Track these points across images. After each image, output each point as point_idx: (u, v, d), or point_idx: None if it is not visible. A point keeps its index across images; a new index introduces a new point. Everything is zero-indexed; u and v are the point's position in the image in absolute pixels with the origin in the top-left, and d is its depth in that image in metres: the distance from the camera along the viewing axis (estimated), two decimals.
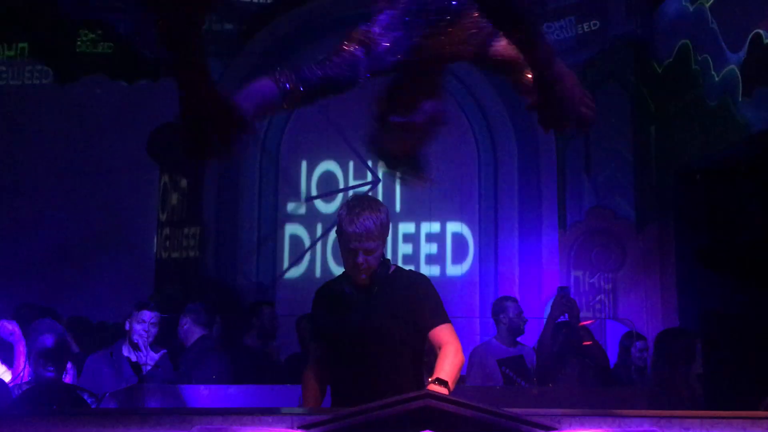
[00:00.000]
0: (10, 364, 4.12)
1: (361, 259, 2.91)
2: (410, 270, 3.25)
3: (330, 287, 3.12)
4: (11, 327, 4.11)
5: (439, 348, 2.94)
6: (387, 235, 2.97)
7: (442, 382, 2.81)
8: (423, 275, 3.21)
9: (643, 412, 2.16)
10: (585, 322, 5.21)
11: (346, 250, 2.95)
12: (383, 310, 2.97)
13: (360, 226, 2.88)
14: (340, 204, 3.12)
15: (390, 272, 3.03)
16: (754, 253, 5.56)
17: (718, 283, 5.77)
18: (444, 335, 2.95)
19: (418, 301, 3.00)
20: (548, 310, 5.15)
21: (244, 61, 7.44)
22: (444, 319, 3.00)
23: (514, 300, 5.31)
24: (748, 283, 5.47)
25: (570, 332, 4.88)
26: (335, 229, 3.05)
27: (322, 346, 3.08)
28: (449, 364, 2.87)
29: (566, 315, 4.85)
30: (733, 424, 2.06)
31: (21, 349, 4.07)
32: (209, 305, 5.02)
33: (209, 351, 4.72)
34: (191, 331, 4.74)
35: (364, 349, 2.94)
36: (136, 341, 4.55)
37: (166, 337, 4.91)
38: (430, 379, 2.90)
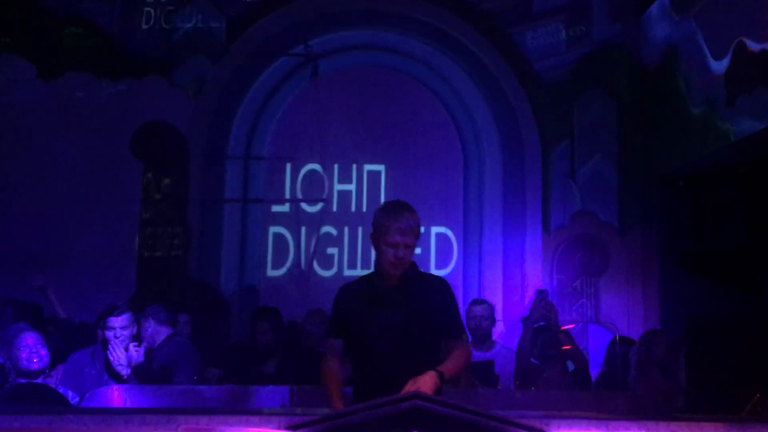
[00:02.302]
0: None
1: (401, 253, 3.11)
2: (431, 273, 3.56)
3: (358, 285, 3.30)
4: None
5: (450, 351, 3.19)
6: (418, 239, 3.20)
7: (439, 372, 3.02)
8: (444, 279, 3.38)
9: (630, 416, 2.16)
10: (567, 327, 5.22)
11: (386, 245, 3.13)
12: (414, 308, 3.15)
13: (404, 221, 3.12)
14: (375, 210, 3.29)
15: (417, 274, 3.25)
16: (736, 258, 5.61)
17: (700, 288, 5.82)
18: (459, 343, 3.24)
19: (442, 306, 3.21)
20: (528, 314, 5.17)
21: (231, 59, 7.41)
22: (461, 331, 3.27)
23: (482, 302, 5.34)
24: (730, 288, 5.51)
25: (549, 336, 4.90)
26: (373, 226, 3.23)
27: (342, 341, 3.21)
28: (452, 361, 3.13)
29: (544, 319, 4.87)
30: (719, 428, 2.07)
31: None
32: (167, 306, 5.01)
33: (182, 345, 4.72)
34: (157, 331, 4.73)
35: (393, 345, 3.10)
36: (107, 347, 4.48)
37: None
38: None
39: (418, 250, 7.22)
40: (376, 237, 3.19)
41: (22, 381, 4.02)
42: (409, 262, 3.18)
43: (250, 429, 2.12)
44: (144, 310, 4.82)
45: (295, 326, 5.77)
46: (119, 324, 4.47)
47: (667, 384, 4.63)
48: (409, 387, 2.87)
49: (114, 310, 4.58)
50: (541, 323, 4.96)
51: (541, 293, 5.02)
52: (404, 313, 3.13)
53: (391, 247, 3.13)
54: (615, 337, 5.63)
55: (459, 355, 3.17)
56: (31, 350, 4.05)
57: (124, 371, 4.37)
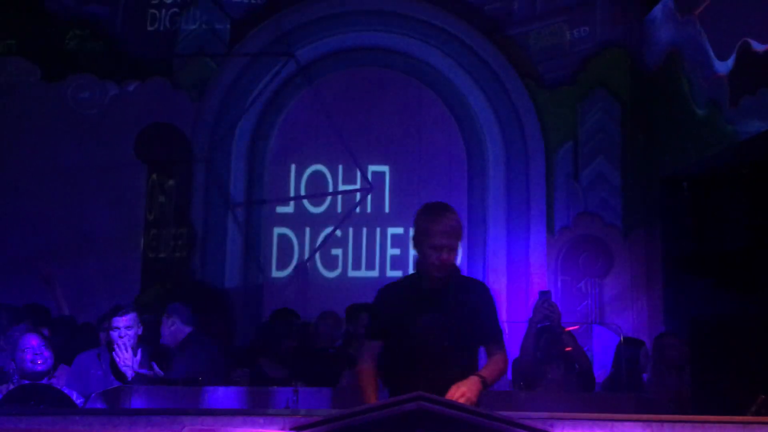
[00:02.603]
0: None
1: (444, 255, 3.11)
2: (471, 277, 3.52)
3: (400, 285, 3.30)
4: None
5: (488, 356, 3.22)
6: (460, 241, 3.18)
7: (481, 376, 3.05)
8: (484, 284, 3.40)
9: (635, 416, 2.16)
10: (570, 328, 5.20)
11: (429, 247, 3.13)
12: (457, 311, 3.16)
13: (446, 224, 3.13)
14: (418, 211, 3.26)
15: (459, 277, 3.25)
16: (739, 259, 5.61)
17: (704, 289, 5.81)
18: (498, 350, 3.25)
19: (484, 310, 3.22)
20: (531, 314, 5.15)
21: (235, 61, 7.43)
22: (500, 337, 3.27)
23: (368, 308, 5.30)
24: (734, 288, 5.51)
25: (552, 337, 4.89)
26: (413, 230, 3.22)
27: (381, 343, 3.22)
28: (492, 366, 3.16)
29: (548, 320, 4.86)
30: (724, 429, 2.07)
31: None
32: (191, 304, 5.00)
33: (204, 344, 4.71)
34: (180, 330, 4.71)
35: (435, 347, 3.11)
36: (113, 347, 4.48)
37: (152, 337, 4.87)
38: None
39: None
40: (419, 239, 3.18)
41: (26, 382, 4.02)
42: (452, 264, 3.18)
43: (255, 430, 2.12)
44: (166, 309, 4.79)
45: (307, 327, 5.77)
46: (124, 324, 4.46)
47: (683, 386, 4.63)
48: (454, 392, 2.89)
49: (118, 311, 4.58)
50: (545, 324, 4.95)
51: (544, 294, 5.00)
52: (447, 316, 3.13)
53: (434, 250, 3.12)
54: (621, 338, 5.62)
55: (498, 360, 3.18)
56: (35, 351, 4.05)
57: (130, 372, 4.37)
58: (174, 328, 4.69)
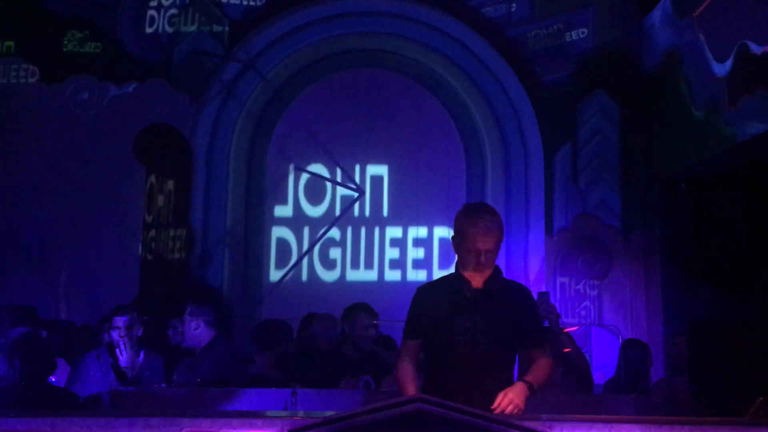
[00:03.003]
0: None
1: (483, 258, 3.06)
2: (512, 280, 3.44)
3: (439, 287, 3.23)
4: None
5: (535, 360, 3.20)
6: (501, 243, 3.13)
7: (527, 383, 3.02)
8: (526, 287, 3.34)
9: (634, 418, 2.16)
10: (569, 329, 5.21)
11: (468, 251, 3.08)
12: (499, 315, 3.11)
13: (485, 227, 3.06)
14: (458, 211, 3.19)
15: (500, 279, 3.19)
16: (738, 261, 5.60)
17: (702, 291, 5.81)
18: (542, 353, 3.23)
19: (526, 313, 3.18)
20: None
21: (234, 62, 7.43)
22: (543, 340, 3.25)
23: (365, 308, 5.31)
24: (733, 291, 5.50)
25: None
26: (453, 232, 3.17)
27: (420, 343, 3.18)
28: (538, 371, 3.14)
29: (546, 321, 4.86)
30: (723, 431, 2.07)
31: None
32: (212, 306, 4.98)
33: (231, 348, 4.70)
34: (204, 334, 4.67)
35: (476, 350, 3.06)
36: (114, 346, 4.47)
37: (151, 338, 4.87)
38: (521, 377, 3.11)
39: (420, 252, 7.22)
40: (457, 241, 3.14)
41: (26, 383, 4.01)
42: (492, 266, 3.14)
43: None
44: (186, 309, 4.76)
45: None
46: (124, 323, 4.47)
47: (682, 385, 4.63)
48: (501, 398, 2.86)
49: (119, 311, 4.58)
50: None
51: (542, 295, 5.01)
52: (489, 319, 3.08)
53: (473, 253, 3.08)
54: (626, 340, 5.61)
55: (544, 365, 3.15)
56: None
57: (132, 372, 4.37)
58: (199, 332, 4.66)
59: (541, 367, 3.14)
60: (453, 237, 3.18)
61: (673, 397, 4.64)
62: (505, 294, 3.16)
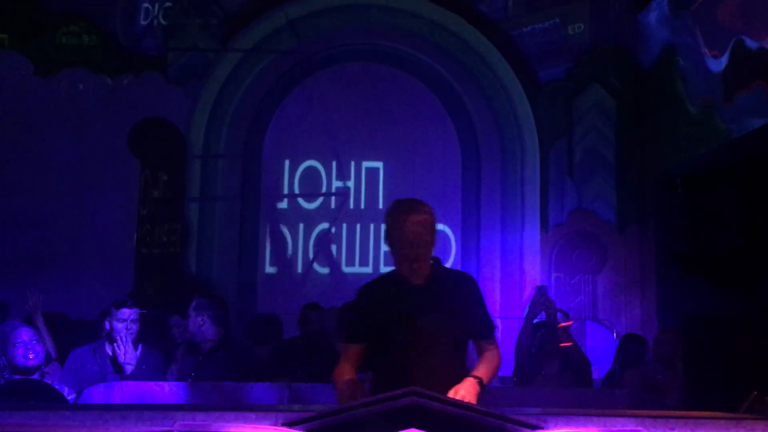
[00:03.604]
0: None
1: (414, 262, 2.96)
2: (455, 269, 3.39)
3: (380, 285, 3.13)
4: None
5: (482, 353, 3.10)
6: (435, 235, 3.02)
7: (477, 378, 2.94)
8: (470, 275, 3.25)
9: (628, 412, 2.16)
10: (564, 324, 5.22)
11: (402, 248, 2.98)
12: (444, 308, 3.03)
13: (410, 231, 2.93)
14: (388, 209, 3.07)
15: (441, 272, 3.10)
16: (733, 256, 5.61)
17: (697, 287, 5.82)
18: (490, 345, 3.11)
19: (472, 304, 3.09)
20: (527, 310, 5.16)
21: (229, 56, 7.40)
22: (491, 331, 3.14)
23: (314, 306, 5.27)
24: (727, 286, 5.51)
25: (548, 332, 4.89)
26: (384, 233, 3.07)
27: (362, 347, 3.07)
28: (487, 364, 3.04)
29: (543, 314, 4.86)
30: (717, 425, 2.07)
31: None
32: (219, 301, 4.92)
33: (239, 345, 4.66)
34: (210, 330, 4.55)
35: (423, 346, 2.99)
36: (116, 339, 4.44)
37: (146, 333, 4.84)
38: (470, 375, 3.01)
39: None
40: (391, 240, 3.02)
41: (18, 377, 4.01)
42: (426, 267, 3.02)
43: (247, 425, 2.11)
44: (192, 303, 4.68)
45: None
46: (131, 317, 4.44)
47: (676, 382, 4.64)
48: (452, 395, 2.79)
49: (126, 302, 4.54)
50: (541, 319, 4.95)
51: (541, 289, 5.00)
52: (435, 313, 3.00)
53: (402, 258, 2.98)
54: (625, 335, 5.62)
55: (492, 357, 3.06)
56: (27, 346, 4.03)
57: (129, 368, 4.34)
58: (204, 328, 4.56)
59: (489, 361, 3.04)
60: (386, 236, 3.04)
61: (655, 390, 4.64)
62: (449, 286, 3.06)
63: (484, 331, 3.11)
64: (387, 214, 3.04)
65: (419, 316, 3.00)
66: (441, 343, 3.01)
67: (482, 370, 2.99)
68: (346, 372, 3.02)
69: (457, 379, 2.96)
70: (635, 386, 4.67)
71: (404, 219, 2.96)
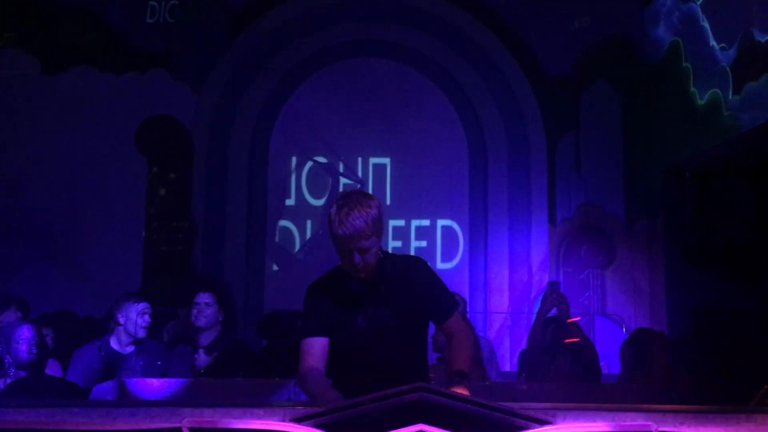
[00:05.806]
0: None
1: (357, 259, 2.79)
2: (403, 255, 3.18)
3: (329, 282, 2.95)
4: None
5: (450, 338, 2.93)
6: (381, 230, 2.84)
7: (461, 375, 2.79)
8: (418, 259, 3.05)
9: (638, 406, 2.15)
10: (573, 319, 5.21)
11: (340, 251, 2.82)
12: (399, 300, 2.88)
13: (350, 227, 2.73)
14: (331, 202, 2.90)
15: (389, 264, 2.91)
16: (742, 250, 5.59)
17: (706, 280, 5.80)
18: (454, 325, 2.94)
19: (424, 291, 2.91)
20: (538, 305, 5.14)
21: (236, 53, 7.40)
22: (453, 309, 2.96)
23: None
24: (736, 280, 5.50)
25: (559, 327, 4.88)
26: (329, 230, 2.87)
27: (326, 340, 2.87)
28: (464, 354, 2.88)
29: (555, 309, 4.85)
30: (728, 419, 2.06)
31: None
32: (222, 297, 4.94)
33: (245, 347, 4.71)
34: (212, 315, 4.64)
35: (383, 343, 2.86)
36: (131, 332, 4.46)
37: (153, 329, 4.85)
38: (451, 372, 2.85)
39: (423, 243, 7.21)
40: (331, 239, 2.81)
41: (23, 374, 4.02)
42: (372, 263, 2.81)
43: (255, 421, 2.10)
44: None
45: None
46: (144, 309, 4.50)
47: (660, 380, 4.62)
48: None
49: (138, 295, 4.60)
50: (552, 314, 4.94)
51: (552, 284, 4.98)
52: (390, 308, 2.85)
53: (345, 255, 2.79)
54: (637, 330, 5.59)
55: (463, 340, 2.89)
56: (31, 342, 4.05)
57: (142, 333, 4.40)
58: (210, 310, 4.63)
59: (462, 348, 2.87)
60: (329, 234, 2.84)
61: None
62: (398, 276, 2.88)
63: (443, 311, 2.93)
64: (328, 211, 2.83)
65: (372, 313, 2.86)
66: (395, 338, 2.86)
67: (459, 363, 2.83)
68: (315, 370, 2.81)
69: (416, 370, 2.85)
70: (642, 381, 4.66)
71: (340, 225, 2.75)
